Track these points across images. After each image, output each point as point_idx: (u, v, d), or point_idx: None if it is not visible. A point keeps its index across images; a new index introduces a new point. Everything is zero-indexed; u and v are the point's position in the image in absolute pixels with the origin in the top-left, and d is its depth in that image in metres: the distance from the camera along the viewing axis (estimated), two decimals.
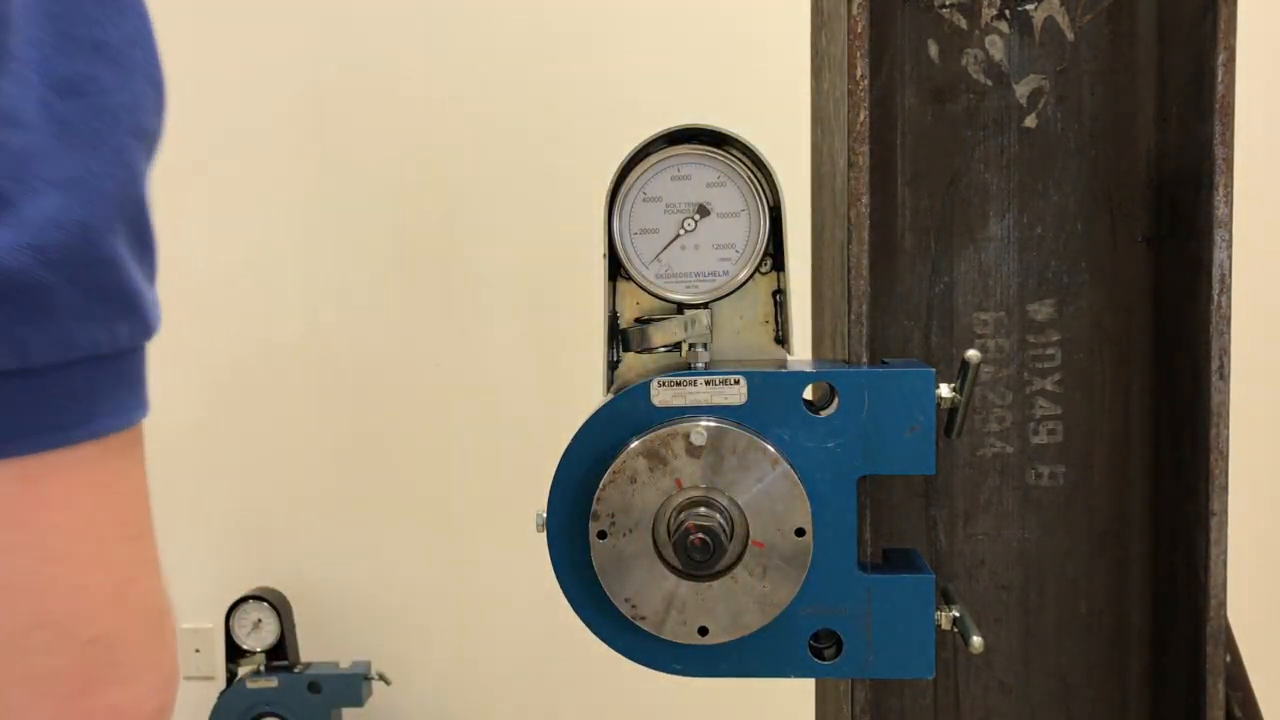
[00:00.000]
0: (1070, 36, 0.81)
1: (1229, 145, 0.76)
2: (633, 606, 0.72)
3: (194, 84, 2.39)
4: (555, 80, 2.41)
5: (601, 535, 0.72)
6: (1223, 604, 0.78)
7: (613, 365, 0.79)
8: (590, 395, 0.77)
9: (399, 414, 2.49)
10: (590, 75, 2.39)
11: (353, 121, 2.43)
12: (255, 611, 2.29)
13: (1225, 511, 0.78)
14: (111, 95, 0.41)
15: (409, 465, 2.50)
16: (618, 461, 0.71)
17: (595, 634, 0.75)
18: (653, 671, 0.75)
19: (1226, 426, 0.77)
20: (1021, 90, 0.82)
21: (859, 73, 0.76)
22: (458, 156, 2.44)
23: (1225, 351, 0.76)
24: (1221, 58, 0.75)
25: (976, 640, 0.71)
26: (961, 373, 0.72)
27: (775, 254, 0.77)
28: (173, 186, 2.50)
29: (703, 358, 0.75)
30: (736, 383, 0.72)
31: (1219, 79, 0.76)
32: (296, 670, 2.27)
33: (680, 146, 0.75)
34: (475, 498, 2.49)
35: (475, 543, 2.50)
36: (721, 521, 0.69)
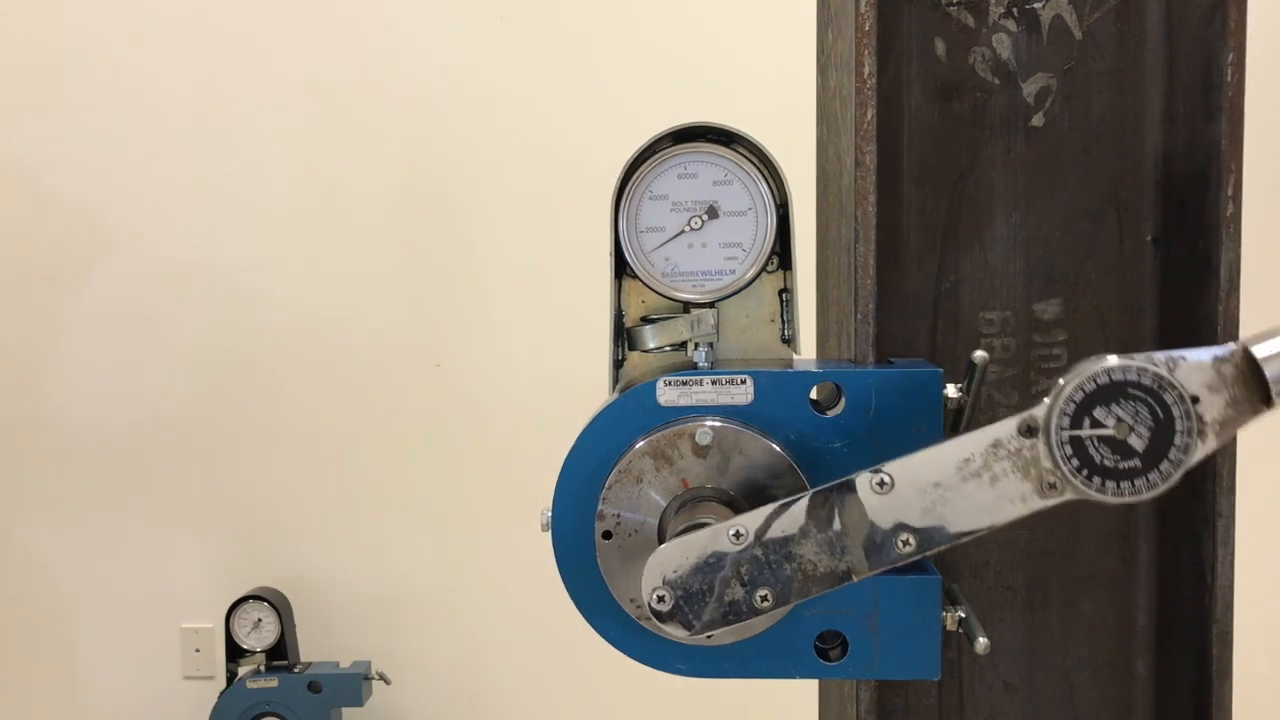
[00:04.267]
0: (1078, 35, 0.81)
1: (1237, 144, 0.76)
2: (638, 607, 0.72)
3: (196, 82, 2.38)
4: (560, 79, 2.41)
5: (606, 535, 0.71)
6: (1229, 606, 0.78)
7: (618, 364, 0.78)
8: (596, 394, 0.77)
9: (399, 414, 2.49)
10: (596, 73, 2.39)
11: (355, 120, 2.43)
12: (255, 611, 2.29)
13: (1232, 513, 0.78)
14: None
15: (409, 465, 2.50)
16: (623, 461, 0.71)
17: (599, 634, 0.74)
18: (657, 672, 0.74)
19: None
20: (1029, 89, 0.82)
21: (866, 71, 0.75)
22: (460, 155, 2.43)
23: None
24: (1230, 57, 0.75)
25: (982, 641, 0.71)
26: (968, 373, 0.71)
27: (782, 253, 0.76)
28: (175, 185, 2.48)
29: (709, 357, 0.75)
30: (743, 382, 0.71)
31: (1227, 78, 0.75)
32: (296, 670, 2.27)
33: (687, 144, 0.75)
34: (476, 498, 2.48)
35: (476, 543, 2.50)
36: None
